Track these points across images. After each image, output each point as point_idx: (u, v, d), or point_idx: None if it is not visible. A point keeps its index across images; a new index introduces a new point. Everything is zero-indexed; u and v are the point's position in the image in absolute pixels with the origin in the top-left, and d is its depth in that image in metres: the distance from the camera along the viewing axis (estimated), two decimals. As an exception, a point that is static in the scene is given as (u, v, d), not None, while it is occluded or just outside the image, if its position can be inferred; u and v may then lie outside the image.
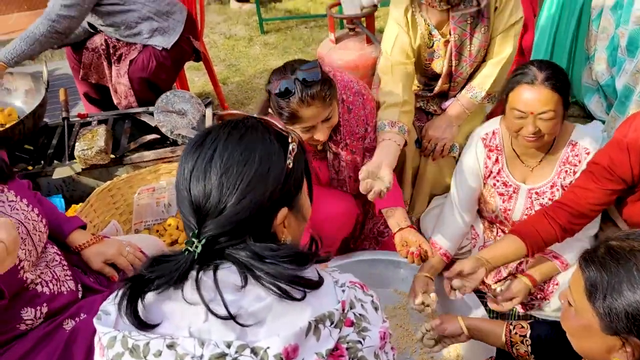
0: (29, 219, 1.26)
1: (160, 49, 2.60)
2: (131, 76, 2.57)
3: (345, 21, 2.59)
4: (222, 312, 0.70)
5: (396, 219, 1.64)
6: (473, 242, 1.95)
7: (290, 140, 0.83)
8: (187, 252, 0.74)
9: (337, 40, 2.62)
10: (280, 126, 0.86)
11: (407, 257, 1.57)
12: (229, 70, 3.81)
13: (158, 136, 2.42)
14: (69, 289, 1.29)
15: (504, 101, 1.61)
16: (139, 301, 0.74)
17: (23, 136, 2.21)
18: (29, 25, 2.38)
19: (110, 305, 0.76)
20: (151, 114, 2.48)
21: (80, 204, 2.09)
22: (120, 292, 0.75)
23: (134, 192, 2.15)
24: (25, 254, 1.20)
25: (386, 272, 1.91)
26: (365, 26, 2.68)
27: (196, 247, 0.73)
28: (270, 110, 1.54)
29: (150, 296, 0.75)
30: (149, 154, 2.33)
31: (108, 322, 0.74)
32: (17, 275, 1.16)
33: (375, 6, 2.65)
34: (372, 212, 1.99)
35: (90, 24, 2.65)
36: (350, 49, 2.58)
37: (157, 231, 2.18)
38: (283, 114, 1.49)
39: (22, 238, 1.20)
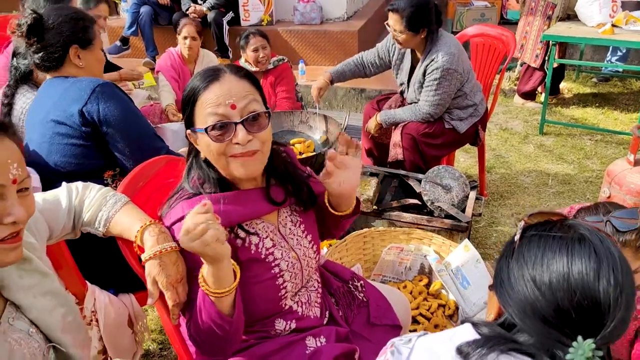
0: (305, 255, 1.37)
1: (450, 127, 2.76)
2: (419, 141, 2.76)
3: (652, 145, 2.35)
4: None
5: None
6: None
7: None
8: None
9: (637, 162, 2.39)
10: None
11: None
12: (496, 160, 3.79)
13: (419, 202, 2.54)
14: (314, 315, 1.40)
15: None
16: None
17: (313, 167, 2.56)
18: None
19: (404, 346, 0.82)
20: (419, 180, 2.62)
21: (335, 240, 2.31)
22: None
23: (384, 245, 2.28)
24: (292, 287, 1.33)
25: None
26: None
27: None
28: None
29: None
30: (407, 216, 2.45)
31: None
32: (279, 302, 1.32)
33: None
34: None
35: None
36: (650, 175, 2.33)
37: (391, 289, 2.25)
38: None
39: (294, 273, 1.33)
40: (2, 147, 0.91)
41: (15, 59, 2.11)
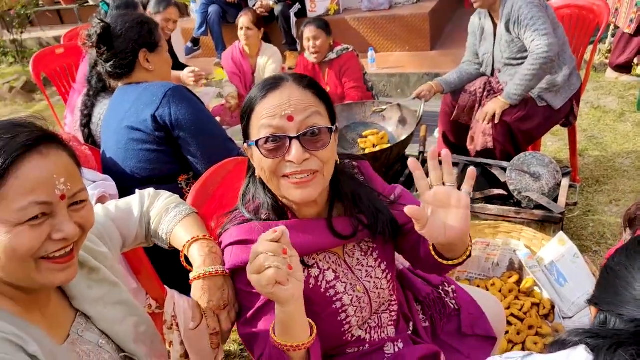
0: (377, 288, 1.22)
1: (544, 105, 2.52)
2: (512, 126, 2.53)
3: None
4: None
5: None
6: None
7: None
8: None
9: None
10: None
11: None
12: (589, 142, 3.47)
13: (505, 193, 2.35)
14: (388, 336, 1.28)
15: None
16: None
17: (387, 161, 2.44)
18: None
19: None
20: (504, 169, 2.43)
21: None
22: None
23: (468, 241, 2.13)
24: (357, 320, 1.20)
25: None
26: None
27: None
28: None
29: None
30: (492, 208, 2.28)
31: None
32: (342, 337, 1.20)
33: None
34: None
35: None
36: None
37: (478, 286, 2.10)
38: None
39: (360, 307, 1.19)
40: (46, 161, 0.85)
41: (95, 69, 2.16)
